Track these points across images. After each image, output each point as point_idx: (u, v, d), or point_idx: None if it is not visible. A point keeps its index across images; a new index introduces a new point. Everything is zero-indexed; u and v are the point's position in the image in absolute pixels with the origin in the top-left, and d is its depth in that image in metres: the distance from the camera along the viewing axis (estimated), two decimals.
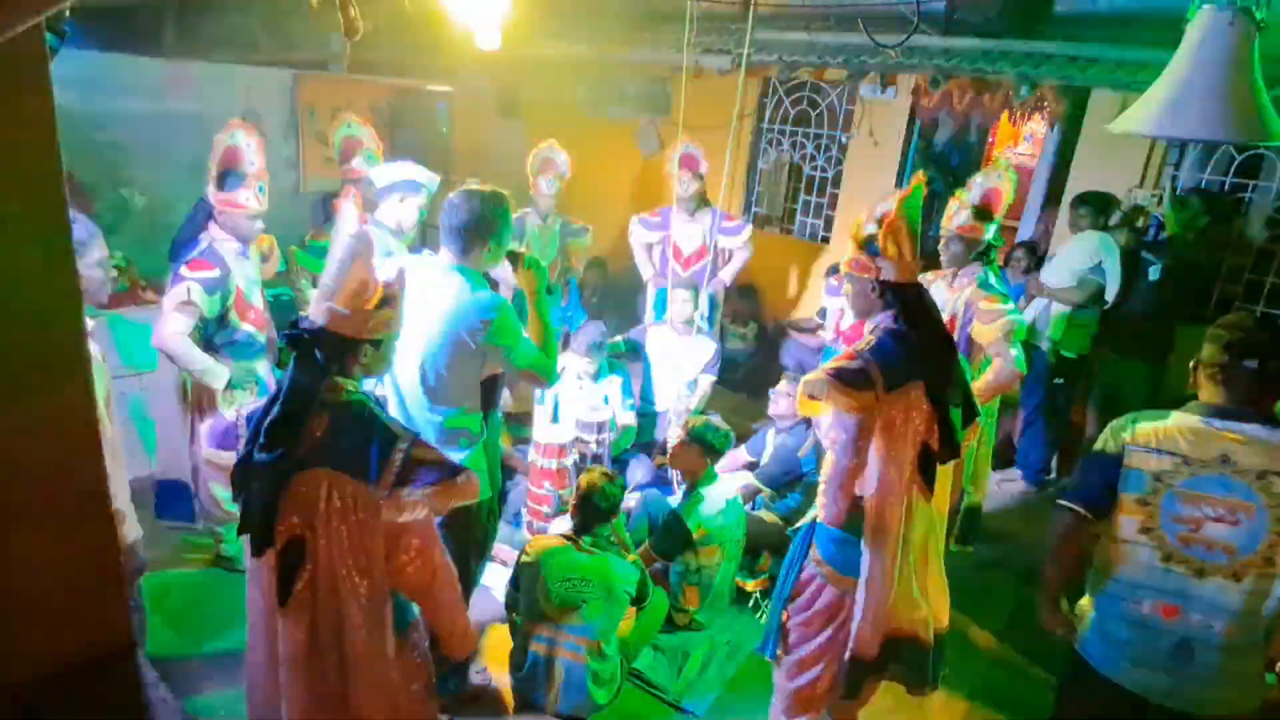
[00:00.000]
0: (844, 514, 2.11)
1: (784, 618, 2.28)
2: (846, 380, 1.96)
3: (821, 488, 2.17)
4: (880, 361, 1.97)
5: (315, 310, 1.65)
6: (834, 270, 4.39)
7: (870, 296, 2.09)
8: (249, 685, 1.79)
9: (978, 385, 3.02)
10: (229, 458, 1.75)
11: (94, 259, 2.29)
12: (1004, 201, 3.10)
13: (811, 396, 2.03)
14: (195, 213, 2.91)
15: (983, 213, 3.10)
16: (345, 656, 1.65)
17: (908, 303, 2.01)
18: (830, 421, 2.10)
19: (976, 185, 3.12)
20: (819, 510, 2.19)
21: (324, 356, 1.63)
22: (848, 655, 2.10)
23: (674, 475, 3.97)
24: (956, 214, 3.15)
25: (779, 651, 2.30)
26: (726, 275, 4.74)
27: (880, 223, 2.00)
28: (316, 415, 1.61)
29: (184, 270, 2.73)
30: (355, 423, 1.63)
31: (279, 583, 1.61)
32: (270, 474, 1.58)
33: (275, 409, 1.60)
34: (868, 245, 2.06)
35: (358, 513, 1.59)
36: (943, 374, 2.02)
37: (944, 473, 2.09)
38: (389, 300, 1.68)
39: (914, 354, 1.99)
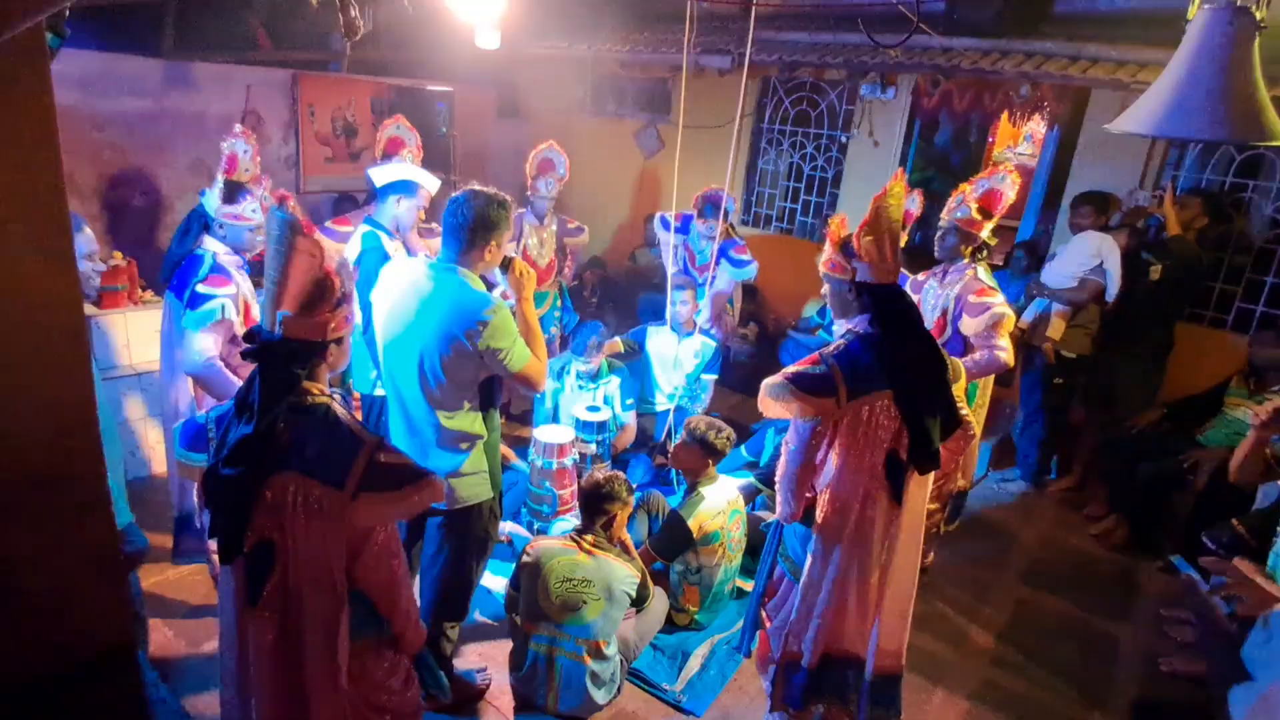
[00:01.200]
0: (802, 513, 2.10)
1: (765, 622, 2.26)
2: (805, 386, 1.94)
3: (776, 487, 2.15)
4: (845, 368, 1.94)
5: (269, 320, 1.59)
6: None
7: (846, 298, 2.06)
8: (223, 685, 1.79)
9: (963, 365, 3.02)
10: (200, 460, 1.73)
11: (81, 252, 2.21)
12: (1004, 203, 3.14)
13: (772, 399, 1.99)
14: (189, 224, 2.77)
15: (983, 210, 3.13)
16: (309, 657, 1.65)
17: (884, 305, 1.99)
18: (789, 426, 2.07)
19: (980, 183, 3.15)
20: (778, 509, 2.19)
21: (291, 365, 1.59)
22: (778, 656, 2.06)
23: (674, 475, 3.97)
24: (958, 207, 3.17)
25: (754, 651, 2.29)
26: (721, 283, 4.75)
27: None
28: (284, 420, 1.59)
29: (203, 288, 2.58)
30: (321, 427, 1.61)
31: (248, 584, 1.61)
32: (238, 486, 1.56)
33: (244, 425, 1.57)
34: (844, 245, 2.04)
35: (323, 516, 1.58)
36: (916, 383, 1.98)
37: (920, 484, 2.07)
38: (346, 297, 1.65)
39: (884, 362, 1.96)
